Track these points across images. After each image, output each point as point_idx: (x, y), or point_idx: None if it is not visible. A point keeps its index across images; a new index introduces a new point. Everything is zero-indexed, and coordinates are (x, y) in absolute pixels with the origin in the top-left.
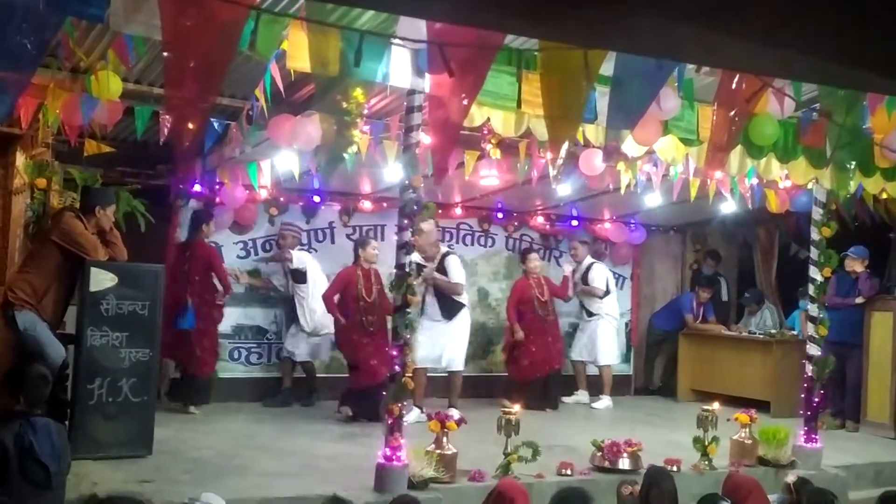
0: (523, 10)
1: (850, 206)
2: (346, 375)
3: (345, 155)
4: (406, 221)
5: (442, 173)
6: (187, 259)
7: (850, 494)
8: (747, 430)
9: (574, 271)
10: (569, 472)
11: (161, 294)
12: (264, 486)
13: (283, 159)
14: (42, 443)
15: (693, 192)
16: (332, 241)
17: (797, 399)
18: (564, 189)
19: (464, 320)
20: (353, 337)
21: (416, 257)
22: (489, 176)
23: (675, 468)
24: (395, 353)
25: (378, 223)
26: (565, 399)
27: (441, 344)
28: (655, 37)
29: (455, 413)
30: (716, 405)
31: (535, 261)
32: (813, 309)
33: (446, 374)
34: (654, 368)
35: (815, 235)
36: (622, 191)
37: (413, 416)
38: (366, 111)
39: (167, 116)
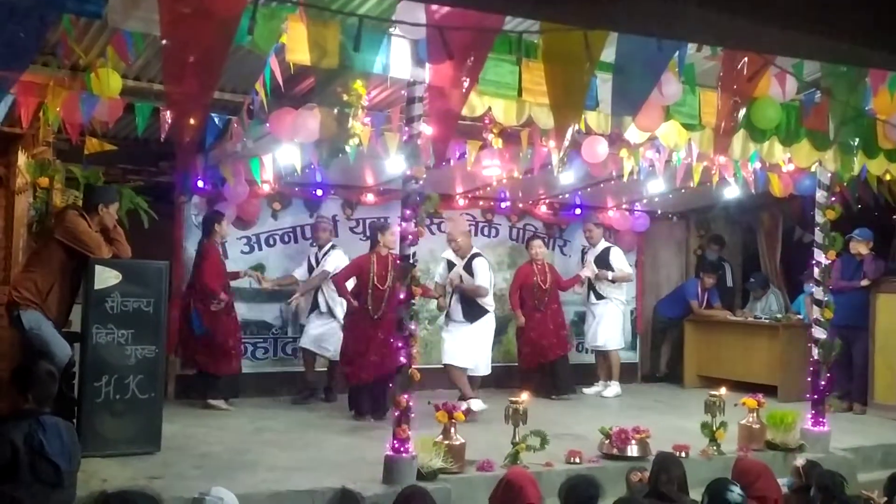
0: None
1: (853, 188)
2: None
3: (346, 147)
4: (409, 212)
5: (442, 162)
6: (196, 262)
7: (859, 476)
8: (755, 414)
9: (585, 255)
10: (577, 460)
11: (166, 291)
12: (274, 481)
13: (284, 153)
14: (52, 441)
15: (696, 178)
16: (336, 235)
17: (804, 383)
18: (567, 177)
19: (486, 325)
20: (359, 325)
21: (449, 254)
22: (491, 166)
23: (683, 454)
24: (400, 344)
25: (381, 215)
26: (586, 390)
27: (464, 348)
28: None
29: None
30: (723, 390)
31: (537, 247)
32: (818, 292)
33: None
34: (660, 355)
35: (819, 218)
36: (625, 178)
37: (476, 405)
38: (366, 103)
39: (167, 112)
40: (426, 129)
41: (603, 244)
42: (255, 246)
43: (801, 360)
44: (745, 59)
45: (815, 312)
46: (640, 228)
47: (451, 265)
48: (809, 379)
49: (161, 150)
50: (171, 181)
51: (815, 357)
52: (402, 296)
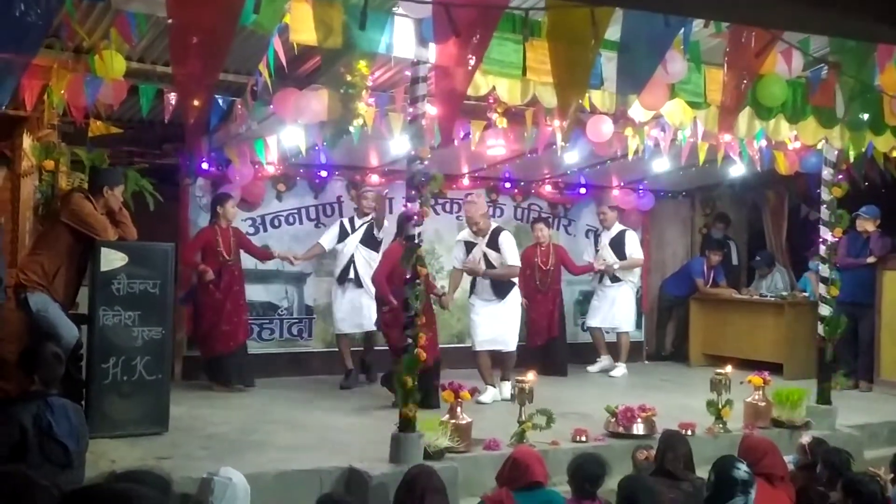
0: None
1: (860, 165)
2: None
3: (350, 128)
4: (414, 193)
5: (448, 142)
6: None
7: (865, 453)
8: (761, 392)
9: (598, 237)
10: (584, 438)
11: (172, 272)
12: (281, 460)
13: (289, 134)
14: (60, 422)
15: (701, 156)
16: (341, 216)
17: (810, 360)
18: (572, 157)
19: (515, 300)
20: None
21: (465, 234)
22: (496, 145)
23: (689, 432)
24: (405, 324)
25: (386, 196)
26: (589, 368)
27: (494, 325)
28: None
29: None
30: (729, 368)
31: (539, 230)
32: (824, 269)
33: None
34: (666, 334)
35: (825, 196)
36: (630, 157)
37: (489, 394)
38: (370, 83)
39: (172, 94)
40: (430, 110)
41: (618, 227)
42: (261, 227)
43: (806, 338)
44: (752, 34)
45: (821, 290)
46: (646, 207)
47: (468, 246)
48: (815, 356)
49: (166, 132)
50: (176, 163)
51: (821, 334)
52: (407, 276)
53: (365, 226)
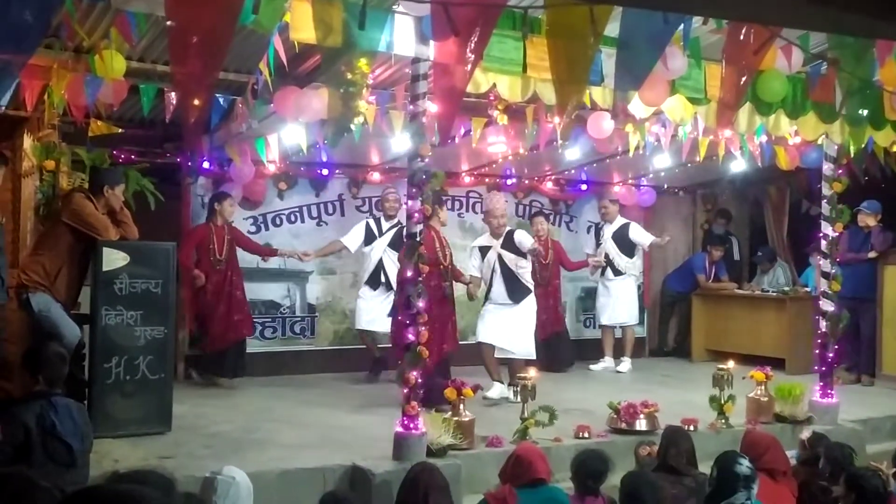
0: None
1: (860, 160)
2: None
3: (351, 126)
4: (415, 191)
5: (447, 139)
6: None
7: (868, 448)
8: (763, 387)
9: (600, 231)
10: (586, 434)
11: (174, 271)
12: (284, 459)
13: (289, 133)
14: (64, 422)
15: (702, 152)
16: (343, 214)
17: (812, 355)
18: (573, 153)
19: (530, 306)
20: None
21: (480, 240)
22: (497, 143)
23: (692, 428)
24: (407, 322)
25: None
26: (592, 367)
27: (506, 330)
28: None
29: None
30: (731, 364)
31: (539, 224)
32: (825, 264)
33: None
34: (668, 330)
35: (826, 191)
36: (631, 153)
37: (496, 390)
38: (371, 81)
39: (173, 94)
40: (431, 107)
41: (620, 220)
42: (262, 226)
43: (808, 333)
44: (752, 31)
45: (823, 285)
46: (647, 203)
47: (483, 251)
48: (817, 351)
49: (166, 131)
50: (176, 162)
51: (823, 329)
52: (409, 273)
53: (394, 230)
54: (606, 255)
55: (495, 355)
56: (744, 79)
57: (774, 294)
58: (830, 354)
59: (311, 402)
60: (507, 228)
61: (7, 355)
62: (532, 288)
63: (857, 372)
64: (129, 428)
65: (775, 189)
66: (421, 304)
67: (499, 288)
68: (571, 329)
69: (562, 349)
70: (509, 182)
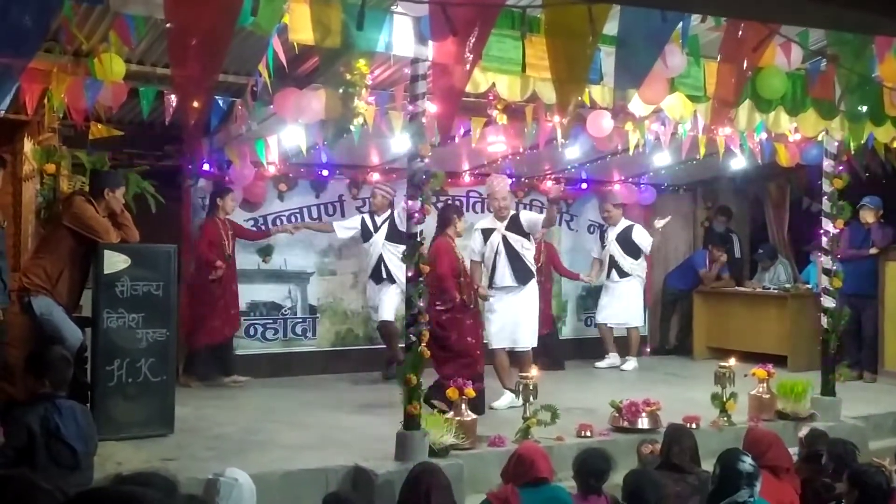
0: None
1: (861, 156)
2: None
3: (351, 127)
4: (415, 191)
5: (446, 138)
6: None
7: (870, 444)
8: (765, 384)
9: (604, 234)
10: (588, 433)
11: (175, 274)
12: (287, 460)
13: (289, 134)
14: (68, 424)
15: (702, 150)
16: (343, 215)
17: (814, 352)
18: (573, 152)
19: (533, 290)
20: (459, 318)
21: (483, 223)
22: (496, 142)
23: (694, 425)
24: (409, 322)
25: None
26: (598, 364)
27: (511, 317)
28: None
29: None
30: (732, 361)
31: None
32: (826, 261)
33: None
34: (670, 328)
35: (826, 187)
36: (630, 151)
37: (505, 400)
38: (370, 82)
39: (172, 96)
40: (431, 107)
41: (624, 223)
42: (262, 227)
43: (810, 330)
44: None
45: (824, 281)
46: (647, 201)
47: (486, 234)
48: (819, 348)
49: (166, 133)
50: (177, 165)
51: (825, 326)
52: (410, 273)
53: (387, 222)
54: (611, 258)
55: (493, 346)
56: (741, 76)
57: (776, 291)
58: (832, 351)
59: (313, 403)
60: (512, 212)
61: (9, 359)
62: (535, 271)
63: (859, 368)
64: (132, 430)
65: (776, 186)
66: (421, 303)
67: (504, 270)
68: (572, 328)
69: (554, 350)
70: (509, 181)
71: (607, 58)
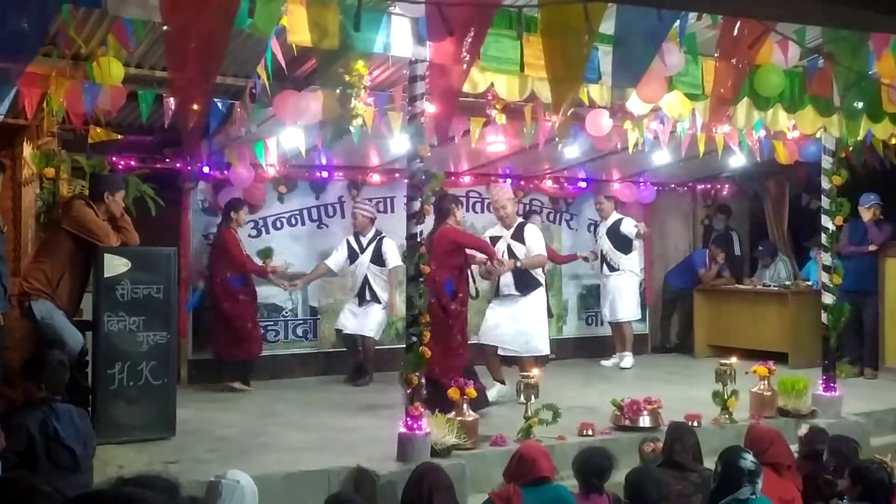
0: None
1: (859, 153)
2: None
3: (350, 128)
4: (415, 192)
5: (445, 139)
6: (211, 249)
7: (871, 441)
8: (766, 382)
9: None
10: (590, 432)
11: (175, 276)
12: (289, 461)
13: (288, 136)
14: (66, 427)
15: (701, 148)
16: (343, 216)
17: (814, 349)
18: (572, 151)
19: (539, 299)
20: (462, 310)
21: (495, 230)
22: (496, 142)
23: (695, 423)
24: (409, 322)
25: (387, 195)
26: (603, 362)
27: (511, 327)
28: None
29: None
30: (733, 359)
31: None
32: (826, 258)
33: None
34: (671, 326)
35: (825, 184)
36: (630, 150)
37: (494, 392)
38: (368, 83)
39: (171, 99)
40: (429, 108)
41: (615, 216)
42: (263, 230)
43: (810, 327)
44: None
45: (824, 278)
46: (647, 200)
47: (493, 241)
48: (820, 345)
49: (165, 137)
50: (176, 168)
51: (825, 323)
52: (410, 273)
53: (373, 243)
54: (602, 252)
55: (499, 352)
56: (739, 73)
57: (776, 288)
58: (833, 348)
59: (315, 405)
60: (520, 220)
61: (10, 363)
62: (542, 281)
63: (860, 365)
64: (133, 433)
65: (775, 183)
66: (421, 303)
67: (507, 279)
68: (574, 327)
69: None
70: (508, 181)
71: (605, 56)
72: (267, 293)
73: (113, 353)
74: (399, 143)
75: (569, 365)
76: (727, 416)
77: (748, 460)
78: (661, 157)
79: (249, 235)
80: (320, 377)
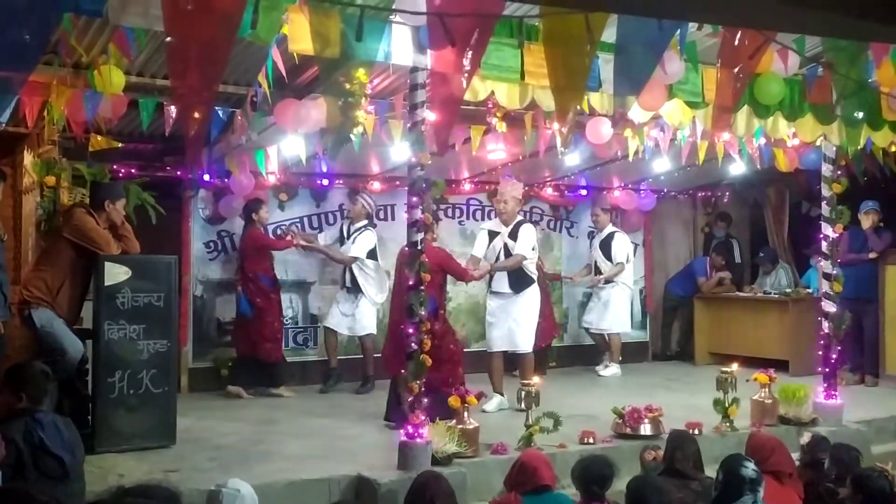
0: None
1: (859, 160)
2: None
3: (351, 136)
4: (415, 199)
5: (445, 148)
6: (240, 250)
7: (873, 448)
8: (767, 389)
9: (592, 237)
10: (591, 440)
11: (176, 285)
12: (289, 470)
13: (289, 144)
14: (51, 437)
15: (701, 156)
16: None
17: (815, 357)
18: (572, 159)
19: (532, 296)
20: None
21: (490, 224)
22: (496, 150)
23: (696, 431)
24: (410, 330)
25: (388, 203)
26: (598, 369)
27: (508, 322)
28: None
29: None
30: (734, 367)
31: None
32: (826, 266)
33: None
34: (671, 334)
35: (825, 192)
36: (630, 158)
37: (494, 403)
38: (369, 91)
39: (172, 107)
40: (430, 116)
41: (609, 230)
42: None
43: (811, 334)
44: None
45: (825, 286)
46: (647, 207)
47: (491, 236)
48: (820, 352)
49: (166, 145)
50: (176, 176)
51: (826, 330)
52: (411, 282)
53: (357, 233)
54: (595, 264)
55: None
56: (740, 82)
57: (776, 296)
58: (834, 356)
59: (315, 413)
60: (519, 219)
61: None
62: (536, 279)
63: (861, 373)
64: (134, 442)
65: (775, 191)
66: (423, 312)
67: (500, 277)
68: (573, 334)
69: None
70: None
71: (606, 65)
72: None
73: (113, 361)
74: (399, 151)
75: (569, 373)
76: (728, 423)
77: (749, 468)
78: (662, 165)
79: None
80: (321, 385)
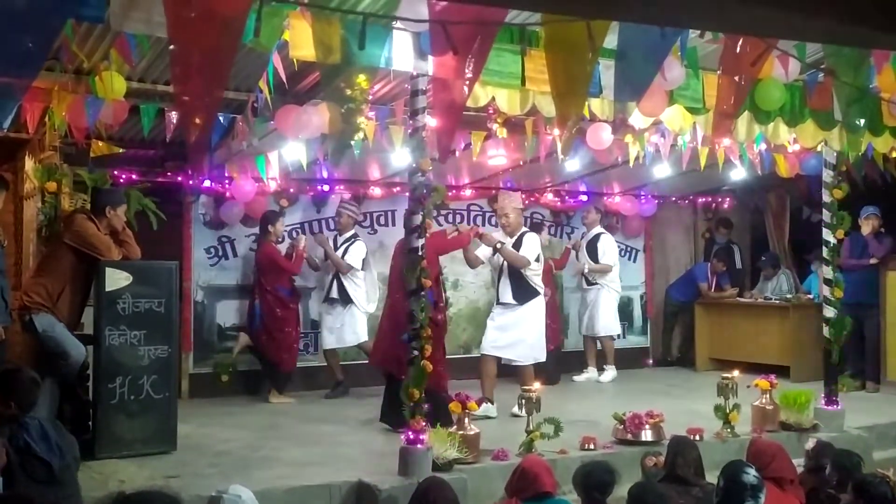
0: None
1: (860, 166)
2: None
3: (352, 142)
4: (416, 205)
5: (446, 154)
6: (256, 262)
7: (874, 454)
8: (768, 395)
9: (582, 236)
10: (592, 446)
11: (176, 290)
12: (290, 476)
13: (290, 150)
14: (37, 441)
15: (702, 161)
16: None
17: (816, 362)
18: (573, 164)
19: (537, 308)
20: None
21: (499, 236)
22: (497, 155)
23: (698, 437)
24: (411, 336)
25: (388, 209)
26: (575, 378)
27: (507, 333)
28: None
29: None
30: (735, 373)
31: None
32: (827, 271)
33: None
34: (672, 339)
35: (826, 198)
36: (631, 163)
37: (480, 409)
38: (370, 97)
39: (173, 113)
40: (431, 122)
41: (596, 230)
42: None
43: (812, 340)
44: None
45: (826, 291)
46: (648, 213)
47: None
48: (822, 358)
49: (167, 150)
50: (177, 182)
51: (827, 336)
52: (411, 287)
53: (346, 244)
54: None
55: (502, 361)
56: (741, 89)
57: (777, 302)
58: (835, 361)
59: (316, 419)
60: (523, 230)
61: None
62: (541, 291)
63: (862, 378)
64: (135, 448)
65: (776, 196)
66: (423, 317)
67: (505, 288)
68: (574, 341)
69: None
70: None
71: (607, 71)
72: None
73: (114, 367)
74: (400, 157)
75: (569, 378)
76: (729, 429)
77: (751, 475)
78: (662, 171)
79: (250, 249)
80: (321, 391)
